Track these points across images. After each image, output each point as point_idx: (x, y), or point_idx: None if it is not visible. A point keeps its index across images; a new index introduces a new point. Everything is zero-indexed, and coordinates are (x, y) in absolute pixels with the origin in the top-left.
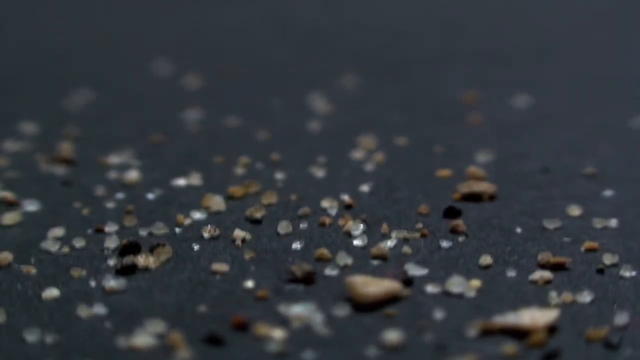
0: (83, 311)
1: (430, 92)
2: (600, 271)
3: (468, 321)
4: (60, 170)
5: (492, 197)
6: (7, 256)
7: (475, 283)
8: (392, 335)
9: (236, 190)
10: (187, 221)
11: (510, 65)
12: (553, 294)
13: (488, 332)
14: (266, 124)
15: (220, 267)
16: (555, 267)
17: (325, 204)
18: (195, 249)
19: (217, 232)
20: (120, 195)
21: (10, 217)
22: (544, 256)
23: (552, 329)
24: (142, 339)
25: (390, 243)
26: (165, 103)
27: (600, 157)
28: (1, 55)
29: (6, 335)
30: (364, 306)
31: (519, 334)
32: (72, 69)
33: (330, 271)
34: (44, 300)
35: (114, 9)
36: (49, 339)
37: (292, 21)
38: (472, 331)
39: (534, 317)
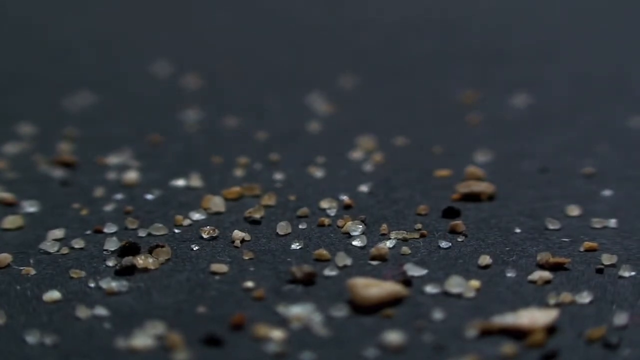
0: (82, 312)
1: (430, 92)
2: (599, 271)
3: (467, 321)
4: (59, 171)
5: (491, 197)
6: (6, 257)
7: (474, 283)
8: (391, 336)
9: (230, 192)
10: (185, 222)
11: (510, 65)
12: (552, 294)
13: (487, 333)
14: (265, 124)
15: (219, 267)
16: (554, 267)
17: (324, 204)
18: (194, 250)
19: (216, 232)
20: (119, 196)
21: (10, 221)
22: (543, 256)
23: (551, 329)
24: (141, 340)
25: (389, 243)
26: (164, 103)
27: (599, 157)
28: (1, 55)
29: (5, 336)
30: (365, 308)
31: (518, 334)
32: (72, 69)
33: (329, 272)
34: (43, 302)
35: (113, 10)
36: (48, 340)
37: (292, 21)
38: (471, 331)
39: (533, 317)
